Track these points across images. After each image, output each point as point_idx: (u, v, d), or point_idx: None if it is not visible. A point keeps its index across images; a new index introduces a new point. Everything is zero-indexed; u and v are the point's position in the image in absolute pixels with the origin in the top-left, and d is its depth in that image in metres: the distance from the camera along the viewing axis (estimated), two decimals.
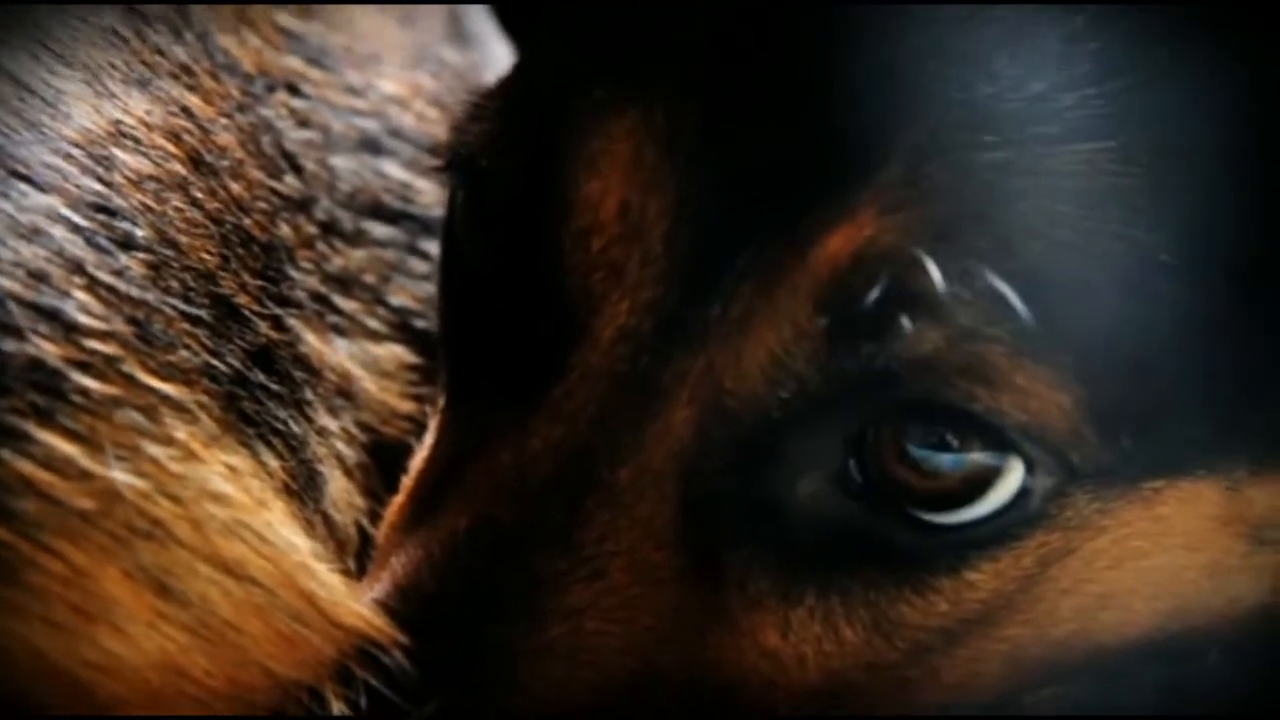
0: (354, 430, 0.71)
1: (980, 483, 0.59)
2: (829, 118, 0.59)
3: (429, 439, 0.67)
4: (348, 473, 0.70)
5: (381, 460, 0.72)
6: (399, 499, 0.66)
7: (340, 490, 0.69)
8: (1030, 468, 0.59)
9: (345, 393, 0.71)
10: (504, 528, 0.60)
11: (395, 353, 0.74)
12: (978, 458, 0.59)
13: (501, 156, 0.64)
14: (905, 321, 0.57)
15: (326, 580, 0.58)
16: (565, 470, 0.60)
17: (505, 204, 0.64)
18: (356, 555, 0.69)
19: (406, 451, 0.71)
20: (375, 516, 0.70)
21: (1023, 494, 0.59)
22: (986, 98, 0.58)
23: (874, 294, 0.57)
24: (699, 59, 0.60)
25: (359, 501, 0.70)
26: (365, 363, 0.72)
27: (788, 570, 0.60)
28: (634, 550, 0.60)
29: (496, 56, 0.84)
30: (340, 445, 0.69)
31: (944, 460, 0.59)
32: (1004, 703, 0.64)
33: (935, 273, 0.57)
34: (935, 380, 0.58)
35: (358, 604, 0.58)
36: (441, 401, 0.68)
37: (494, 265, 0.65)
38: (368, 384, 0.72)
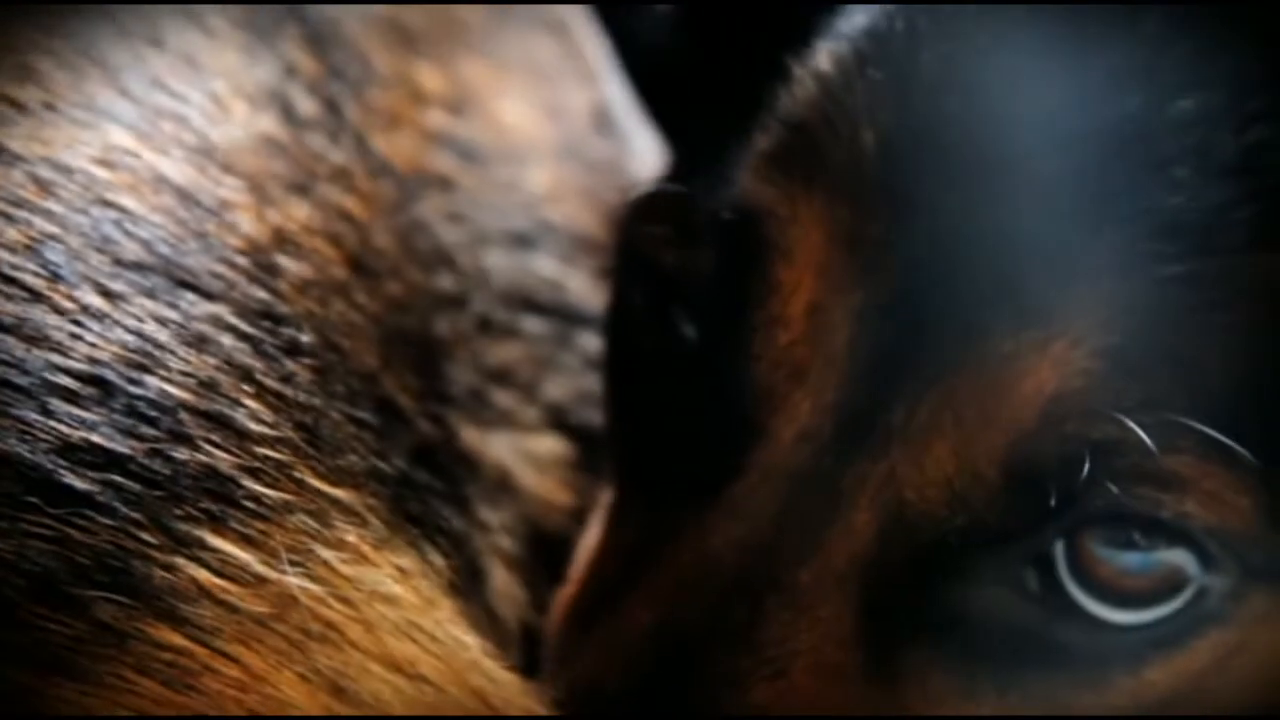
0: (513, 524, 0.71)
1: (1163, 582, 0.59)
2: (1014, 229, 0.59)
3: (598, 533, 0.68)
4: (509, 566, 0.70)
5: (541, 553, 0.72)
6: (569, 592, 0.67)
7: (502, 584, 0.69)
8: (1210, 567, 0.59)
9: (504, 487, 0.71)
10: (686, 626, 0.60)
11: (550, 446, 0.74)
12: (1163, 557, 0.59)
13: (688, 251, 0.64)
14: (1093, 456, 0.57)
15: (498, 677, 0.58)
16: (747, 569, 0.60)
17: (691, 297, 0.64)
18: (520, 648, 0.69)
19: (565, 544, 0.71)
20: (537, 609, 0.70)
21: (1202, 593, 0.59)
22: (1172, 209, 0.58)
23: (1063, 434, 0.57)
24: (884, 167, 0.60)
25: (520, 595, 0.70)
26: (522, 456, 0.73)
27: (967, 670, 0.60)
28: (815, 650, 0.60)
29: (643, 148, 0.84)
30: (501, 539, 0.70)
31: (1130, 561, 0.59)
32: None
33: (1129, 421, 0.57)
34: (1122, 491, 0.57)
35: (531, 703, 0.58)
36: (609, 496, 0.68)
37: (672, 360, 0.65)
38: (525, 478, 0.72)
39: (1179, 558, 0.59)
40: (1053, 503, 0.58)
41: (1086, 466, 0.57)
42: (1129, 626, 0.59)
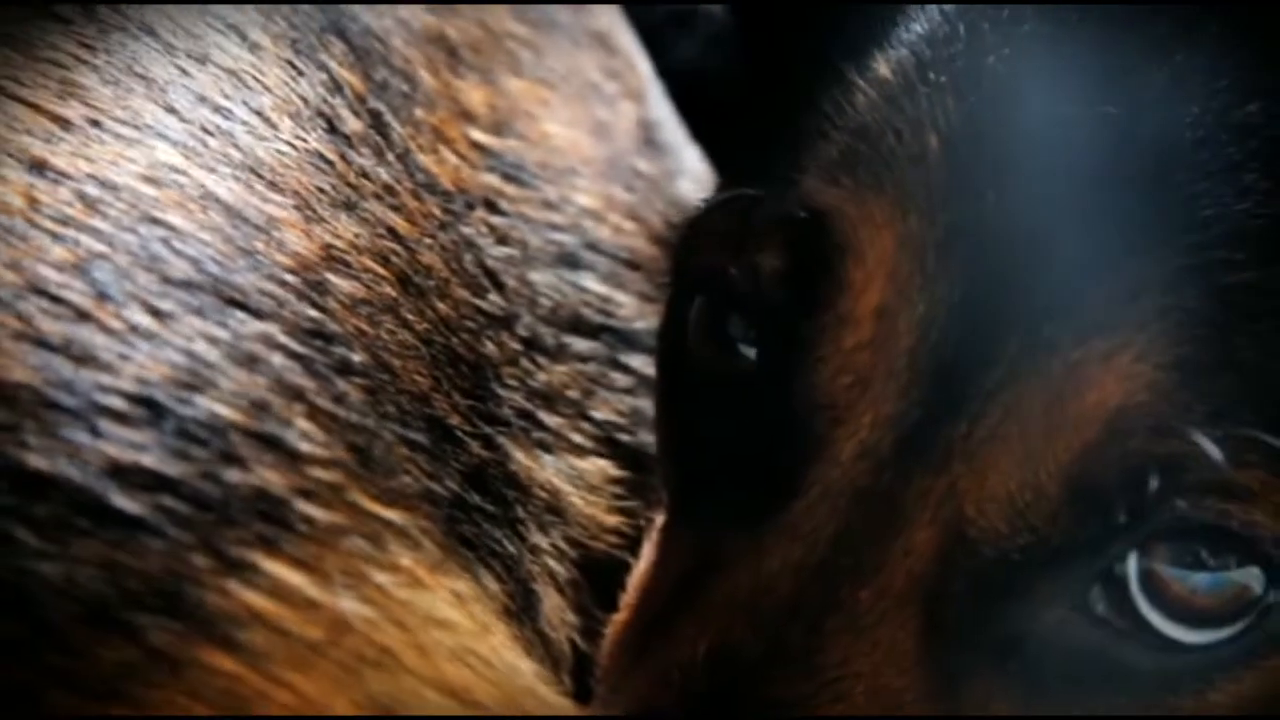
0: (564, 547, 0.70)
1: (1232, 601, 0.58)
2: (1078, 237, 0.58)
3: (652, 556, 0.67)
4: (560, 590, 0.69)
5: (591, 576, 0.71)
6: (623, 618, 0.65)
7: (554, 608, 0.68)
8: (1277, 583, 0.57)
9: (554, 509, 0.70)
10: (743, 650, 0.59)
11: (600, 467, 0.73)
12: (1232, 576, 0.57)
13: (747, 264, 0.63)
14: (1160, 471, 0.56)
15: (553, 703, 0.57)
16: (805, 591, 0.59)
17: (751, 311, 0.63)
18: (571, 672, 0.68)
19: (616, 566, 0.70)
20: (588, 633, 0.69)
21: (1269, 611, 0.58)
22: (1238, 215, 0.57)
23: (1129, 449, 0.56)
24: (949, 172, 0.59)
25: (571, 618, 0.69)
26: (572, 478, 0.72)
27: (1030, 694, 0.59)
28: (875, 674, 0.59)
29: (689, 166, 0.83)
30: (552, 562, 0.69)
31: (1200, 580, 0.57)
32: None
33: (1196, 434, 0.55)
34: (1190, 507, 0.56)
35: None
36: (662, 518, 0.67)
37: (728, 379, 0.64)
38: (575, 499, 0.72)
39: (1248, 576, 0.58)
40: (1119, 519, 0.57)
41: (1153, 482, 0.56)
42: (1197, 647, 0.58)
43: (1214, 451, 0.56)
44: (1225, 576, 0.58)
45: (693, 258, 0.67)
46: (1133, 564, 0.58)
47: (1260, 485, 0.56)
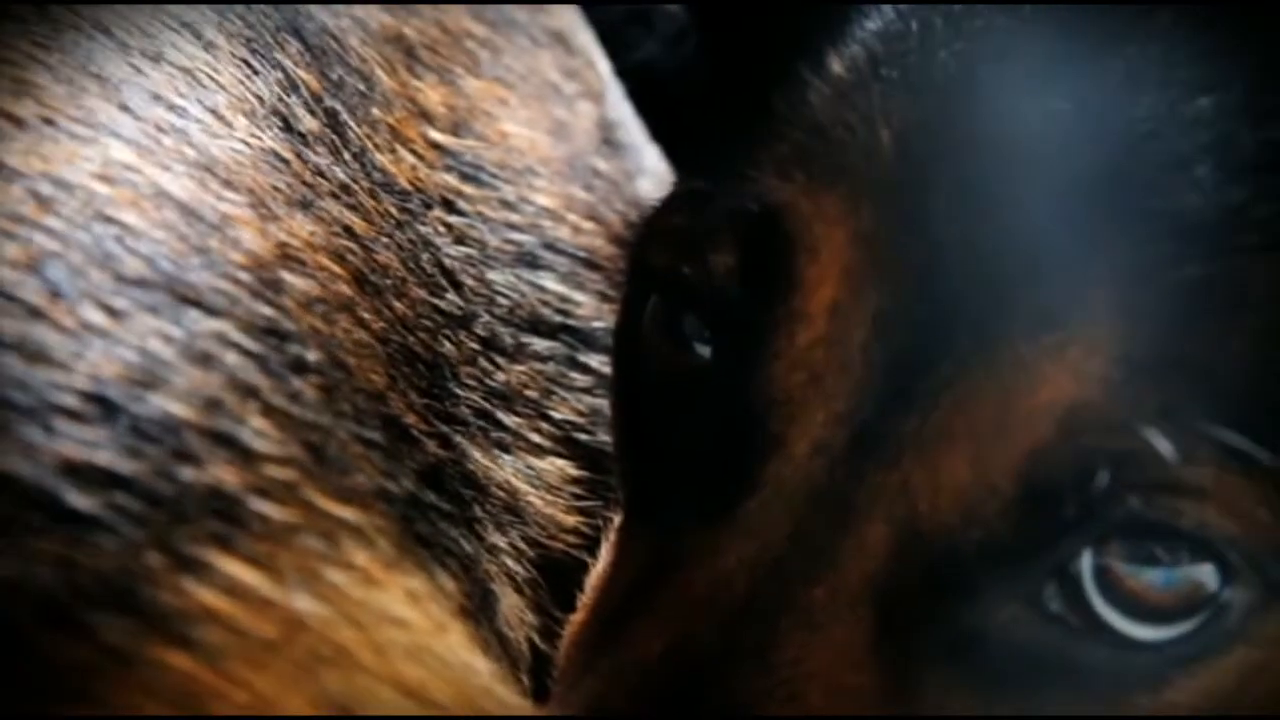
0: (522, 546, 0.70)
1: (1187, 597, 0.58)
2: (1030, 231, 0.58)
3: (609, 556, 0.66)
4: (518, 590, 0.69)
5: (549, 575, 0.71)
6: (580, 617, 0.65)
7: (512, 607, 0.68)
8: (1232, 581, 0.57)
9: (512, 509, 0.70)
10: (699, 648, 0.59)
11: (559, 467, 0.73)
12: (1187, 572, 0.57)
13: (701, 262, 0.63)
14: (1111, 468, 0.56)
15: (510, 703, 0.57)
16: (760, 589, 0.59)
17: (705, 309, 0.63)
18: (530, 672, 0.68)
19: (574, 566, 0.70)
20: (546, 633, 0.69)
21: (1223, 608, 0.58)
22: (1190, 209, 0.57)
23: (1081, 445, 0.56)
24: (901, 168, 0.59)
25: (530, 618, 0.69)
26: (530, 478, 0.72)
27: (985, 692, 0.59)
28: (830, 671, 0.59)
29: (648, 165, 0.83)
30: (510, 562, 0.69)
31: (1154, 576, 0.57)
32: None
33: (1147, 430, 0.55)
34: (1141, 503, 0.56)
35: None
36: (619, 518, 0.67)
37: (683, 378, 0.64)
38: (534, 499, 0.71)
39: (1202, 572, 0.58)
40: (1071, 516, 0.57)
41: (1104, 479, 0.56)
42: (1152, 644, 0.58)
43: (1165, 448, 0.56)
44: (1179, 572, 0.57)
45: (647, 256, 0.67)
46: (1086, 560, 0.58)
47: (1212, 482, 0.56)
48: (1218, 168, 0.57)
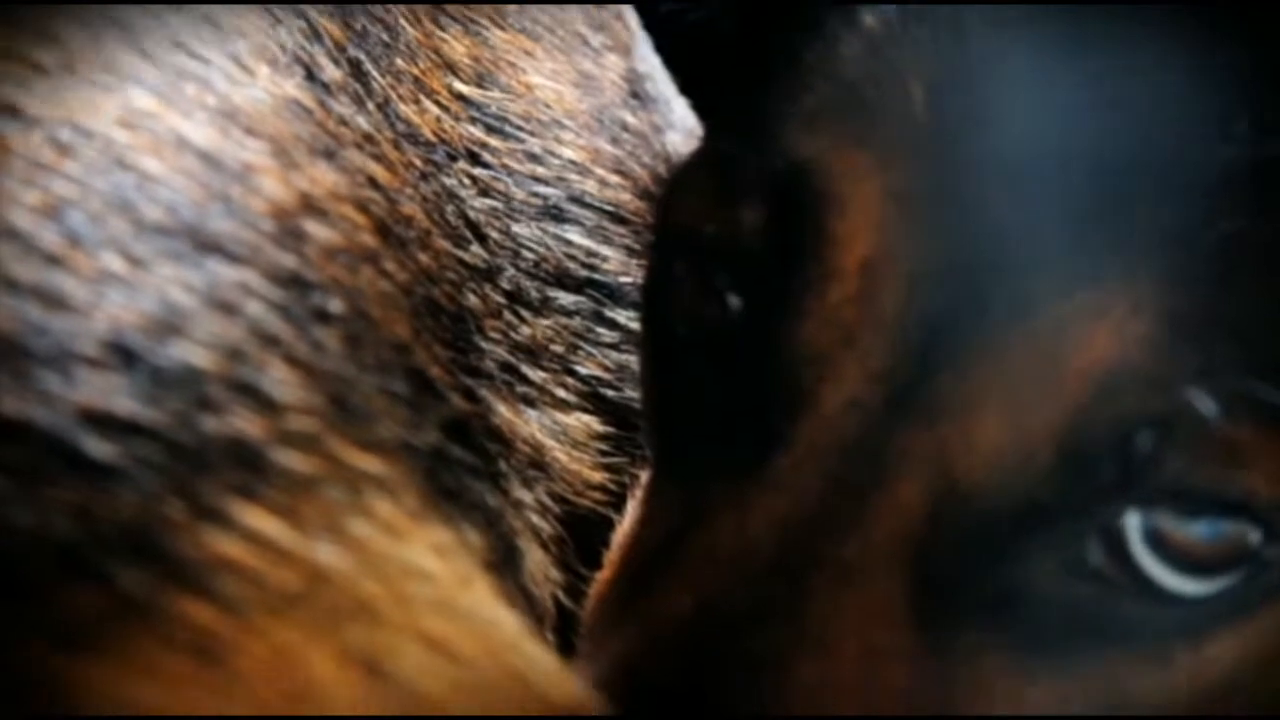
0: (548, 502, 0.69)
1: (1229, 552, 0.57)
2: (1069, 187, 0.57)
3: (637, 513, 0.65)
4: (544, 546, 0.68)
5: (575, 532, 0.70)
6: (607, 574, 0.64)
7: (537, 564, 0.67)
8: (1272, 539, 0.56)
9: (537, 464, 0.69)
10: (728, 607, 0.58)
11: (585, 422, 0.72)
12: (1229, 527, 0.56)
13: (732, 216, 0.62)
14: (1152, 430, 0.55)
15: (537, 658, 0.56)
16: (789, 546, 0.58)
17: (736, 264, 0.62)
18: (555, 630, 0.67)
19: (600, 523, 0.69)
20: (571, 590, 0.68)
21: (1264, 565, 0.57)
22: (1229, 162, 0.56)
23: (1121, 408, 0.55)
24: (935, 123, 0.58)
25: (555, 575, 0.68)
26: (556, 433, 0.71)
27: (1022, 650, 0.58)
28: (862, 629, 0.58)
29: (677, 119, 0.82)
30: (535, 518, 0.68)
31: (1192, 530, 0.56)
32: None
33: (1188, 390, 0.54)
34: (1182, 465, 0.55)
35: (569, 683, 0.56)
36: (647, 475, 0.66)
37: (714, 333, 0.63)
38: (559, 455, 0.71)
39: (1243, 528, 0.57)
40: (1111, 478, 0.56)
41: (1145, 440, 0.55)
42: (1192, 599, 0.57)
43: (1207, 408, 0.55)
44: (1222, 526, 0.56)
45: (675, 212, 0.66)
46: (1133, 520, 0.57)
47: (1253, 443, 0.55)
48: (1255, 123, 0.56)
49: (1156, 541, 0.57)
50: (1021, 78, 0.59)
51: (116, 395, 0.53)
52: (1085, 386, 0.56)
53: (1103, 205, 0.57)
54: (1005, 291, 0.57)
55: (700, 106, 0.81)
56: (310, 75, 0.66)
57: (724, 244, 0.62)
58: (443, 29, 0.75)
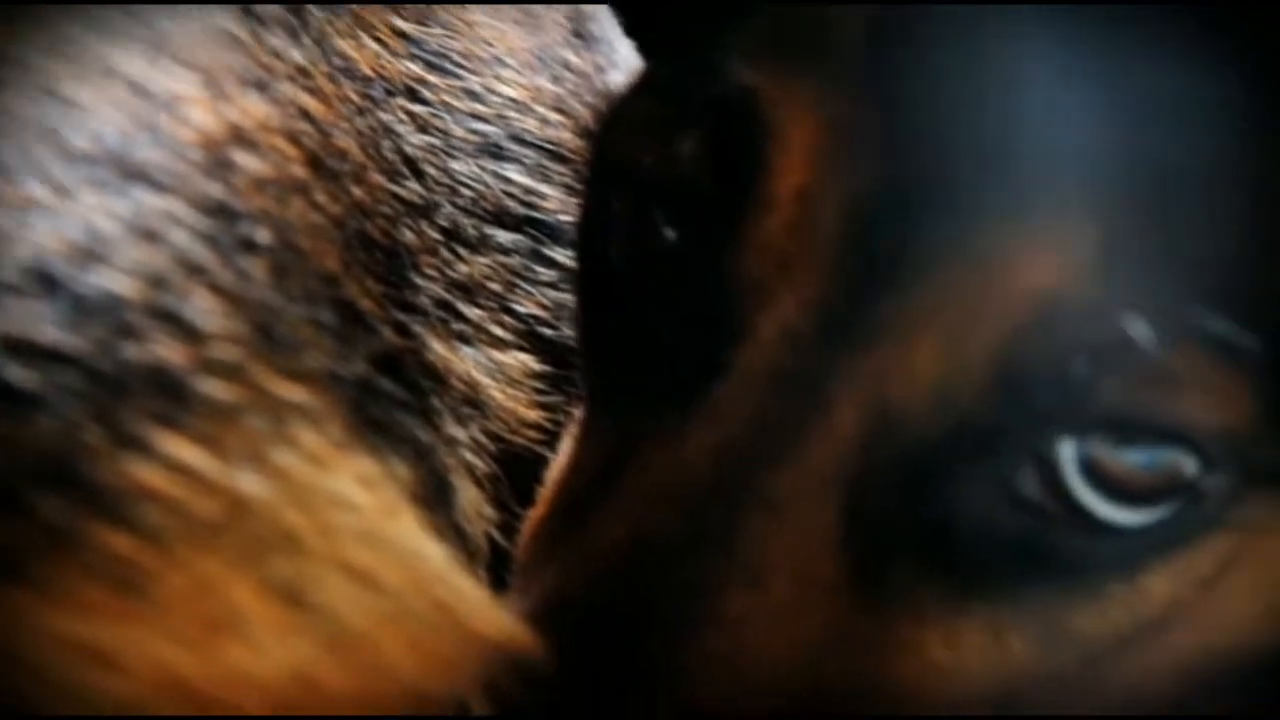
0: (482, 440, 0.69)
1: (1165, 482, 0.56)
2: (1008, 113, 0.56)
3: (569, 448, 0.65)
4: (477, 483, 0.68)
5: (510, 470, 0.70)
6: (539, 509, 0.64)
7: (470, 501, 0.67)
8: (1209, 468, 0.56)
9: (472, 402, 0.69)
10: (660, 536, 0.58)
11: (521, 361, 0.72)
12: (1162, 456, 0.56)
13: (668, 150, 0.61)
14: (1089, 355, 0.55)
15: (463, 590, 0.56)
16: (723, 476, 0.58)
17: (672, 197, 0.61)
18: (488, 567, 0.67)
19: (535, 462, 0.69)
20: (506, 528, 0.68)
21: (1199, 495, 0.57)
22: (1172, 89, 0.55)
23: (1059, 331, 0.55)
24: (874, 52, 0.58)
25: (489, 512, 0.68)
26: (491, 371, 0.71)
27: (955, 581, 0.58)
28: (795, 559, 0.57)
29: (619, 59, 0.82)
30: (469, 455, 0.68)
31: (1128, 458, 0.56)
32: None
33: (1126, 317, 0.54)
34: (1120, 391, 0.55)
35: (498, 615, 0.56)
36: (581, 410, 0.66)
37: (649, 268, 0.62)
38: (495, 393, 0.70)
39: (1180, 457, 0.56)
40: (1048, 405, 0.56)
41: (1083, 367, 0.55)
42: (1128, 529, 0.57)
43: (1145, 336, 0.55)
44: (1158, 454, 0.56)
45: (612, 144, 0.65)
46: (1068, 449, 0.56)
47: (1192, 370, 0.55)
48: (1203, 51, 0.56)
49: (1091, 471, 0.56)
50: (962, 10, 0.58)
51: (38, 322, 0.52)
52: (1023, 313, 0.56)
53: (1041, 134, 0.56)
54: (943, 219, 0.56)
55: (644, 48, 0.80)
56: (243, 7, 0.65)
57: (661, 175, 0.62)
58: None
